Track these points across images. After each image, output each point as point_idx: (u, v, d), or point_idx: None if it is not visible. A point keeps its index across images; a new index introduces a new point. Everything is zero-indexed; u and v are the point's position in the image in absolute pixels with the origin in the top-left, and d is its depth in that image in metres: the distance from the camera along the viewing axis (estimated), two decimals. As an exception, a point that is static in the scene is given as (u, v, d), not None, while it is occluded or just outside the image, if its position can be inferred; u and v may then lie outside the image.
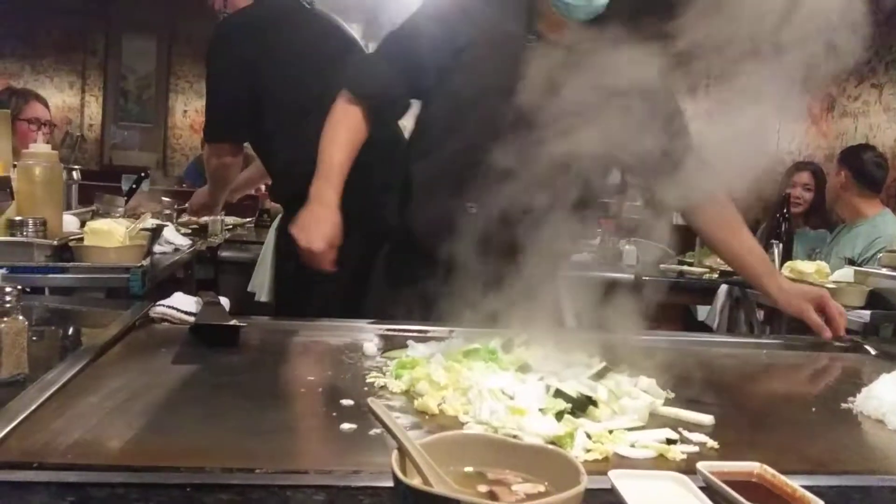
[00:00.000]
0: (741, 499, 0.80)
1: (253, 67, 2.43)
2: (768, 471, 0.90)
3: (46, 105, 4.01)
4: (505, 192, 1.58)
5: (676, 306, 4.02)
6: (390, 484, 0.81)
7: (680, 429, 1.11)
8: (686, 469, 0.92)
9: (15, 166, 2.20)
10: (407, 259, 1.95)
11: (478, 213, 1.72)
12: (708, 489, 0.85)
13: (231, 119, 2.54)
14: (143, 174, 3.37)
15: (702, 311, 4.03)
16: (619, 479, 0.82)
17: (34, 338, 1.31)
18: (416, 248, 1.88)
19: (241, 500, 0.78)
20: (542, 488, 0.70)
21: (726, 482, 0.85)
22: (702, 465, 0.89)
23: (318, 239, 1.76)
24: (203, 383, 1.25)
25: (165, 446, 0.95)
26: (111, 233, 2.08)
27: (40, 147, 2.22)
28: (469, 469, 0.73)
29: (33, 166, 2.14)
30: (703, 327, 3.76)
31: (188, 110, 10.89)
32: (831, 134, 5.44)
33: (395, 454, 0.67)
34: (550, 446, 0.75)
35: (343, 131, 1.89)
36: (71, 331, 1.63)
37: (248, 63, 2.44)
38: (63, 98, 10.31)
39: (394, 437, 0.68)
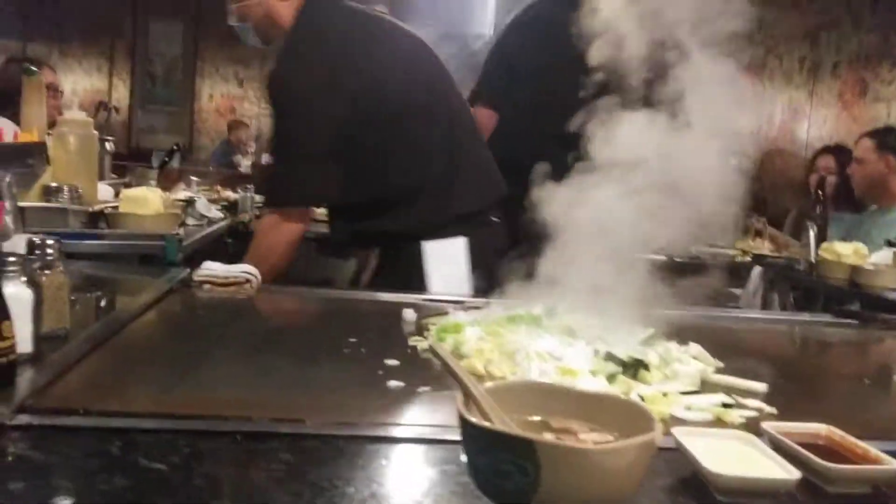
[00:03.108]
0: (815, 458, 0.76)
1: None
2: (836, 432, 0.86)
3: (53, 70, 4.01)
4: None
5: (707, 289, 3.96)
6: (444, 437, 0.80)
7: (733, 395, 1.08)
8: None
9: (50, 134, 2.19)
10: None
11: None
12: (776, 449, 0.81)
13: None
14: (175, 147, 3.35)
15: (732, 295, 3.97)
16: (685, 437, 0.79)
17: (72, 298, 1.29)
18: None
19: (293, 449, 0.75)
20: (610, 438, 0.67)
21: (794, 443, 0.81)
22: (767, 426, 0.85)
23: None
24: (245, 343, 1.23)
25: (211, 399, 0.93)
26: (147, 200, 2.07)
27: (75, 115, 2.20)
28: (533, 417, 0.70)
29: (68, 134, 2.13)
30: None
31: (214, 94, 10.91)
32: (863, 119, 5.34)
33: (459, 397, 0.64)
34: (620, 395, 0.71)
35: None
36: (108, 295, 1.61)
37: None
38: (91, 82, 10.36)
39: (459, 380, 0.66)
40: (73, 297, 1.24)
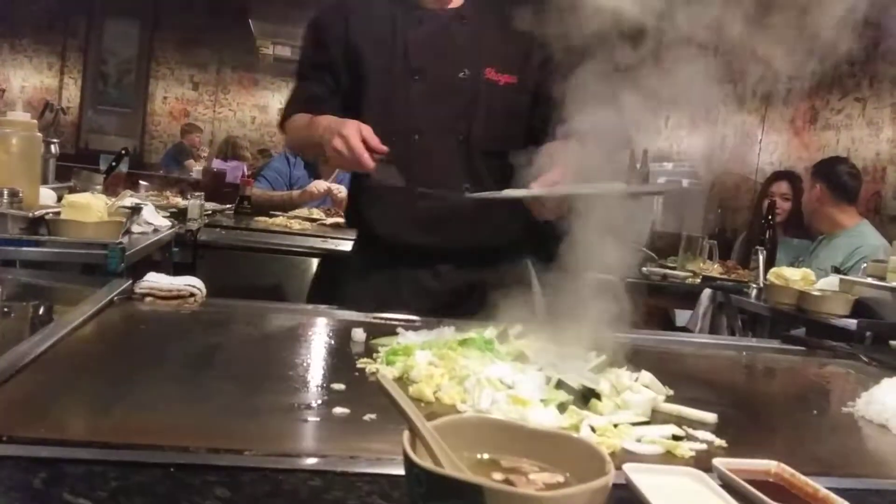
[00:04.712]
0: (766, 499, 0.75)
1: None
2: (786, 469, 0.85)
3: None
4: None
5: (656, 310, 3.99)
6: (389, 471, 0.77)
7: (684, 426, 1.07)
8: (695, 466, 0.88)
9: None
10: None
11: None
12: (726, 487, 0.80)
13: None
14: (122, 151, 3.26)
15: (680, 318, 4.01)
16: (635, 474, 0.77)
17: (5, 309, 1.24)
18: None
19: (230, 484, 0.72)
20: (560, 479, 0.65)
21: (744, 481, 0.80)
22: (718, 462, 0.84)
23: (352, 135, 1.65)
24: (185, 363, 1.18)
25: (146, 425, 0.88)
26: (90, 207, 2.00)
27: (18, 115, 2.12)
28: (482, 455, 0.67)
29: (10, 135, 2.05)
30: (683, 332, 3.73)
31: (168, 97, 10.74)
32: (813, 146, 5.45)
33: (406, 435, 0.61)
34: (573, 434, 0.69)
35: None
36: (44, 306, 1.55)
37: None
38: (41, 79, 10.13)
39: (405, 417, 0.63)
40: (6, 308, 1.19)
